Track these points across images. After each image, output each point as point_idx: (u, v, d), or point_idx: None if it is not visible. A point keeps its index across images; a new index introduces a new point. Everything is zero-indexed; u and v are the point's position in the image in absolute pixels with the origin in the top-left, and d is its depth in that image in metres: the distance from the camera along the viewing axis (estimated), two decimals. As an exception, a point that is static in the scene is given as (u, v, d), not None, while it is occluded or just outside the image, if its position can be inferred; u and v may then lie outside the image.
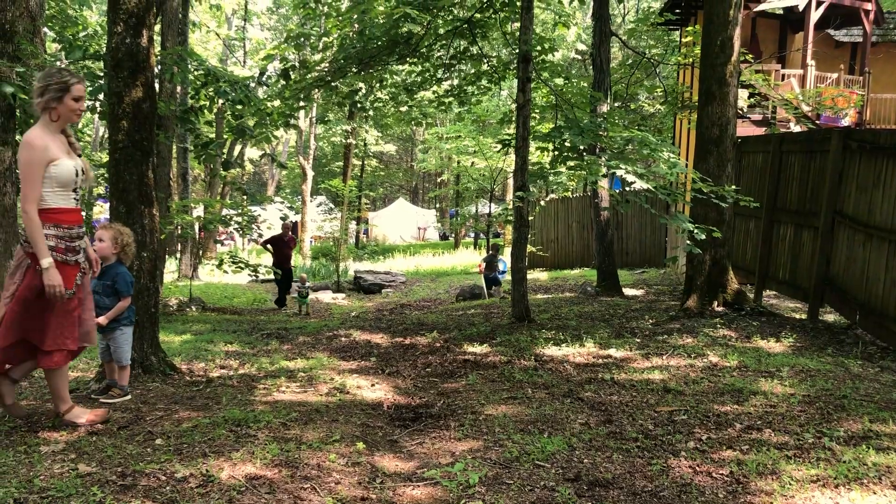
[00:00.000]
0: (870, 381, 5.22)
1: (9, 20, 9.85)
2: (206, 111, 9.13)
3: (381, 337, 8.03)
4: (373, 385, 5.49)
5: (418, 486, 3.29)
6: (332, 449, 3.72)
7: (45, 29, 12.11)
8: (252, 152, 38.06)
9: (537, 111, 10.56)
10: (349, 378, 5.69)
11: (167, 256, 18.29)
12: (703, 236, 7.10)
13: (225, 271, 13.11)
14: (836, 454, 3.62)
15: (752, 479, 3.34)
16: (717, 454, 3.66)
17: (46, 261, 3.76)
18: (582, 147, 7.87)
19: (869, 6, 15.33)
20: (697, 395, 4.89)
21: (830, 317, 8.08)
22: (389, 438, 4.05)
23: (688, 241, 7.37)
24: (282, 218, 14.26)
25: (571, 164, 8.19)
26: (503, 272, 14.73)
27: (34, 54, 9.61)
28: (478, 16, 9.73)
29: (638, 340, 6.99)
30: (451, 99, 11.13)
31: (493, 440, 3.94)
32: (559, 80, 10.30)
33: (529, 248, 11.07)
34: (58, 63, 9.12)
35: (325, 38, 10.56)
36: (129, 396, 4.82)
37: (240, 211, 14.62)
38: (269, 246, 13.85)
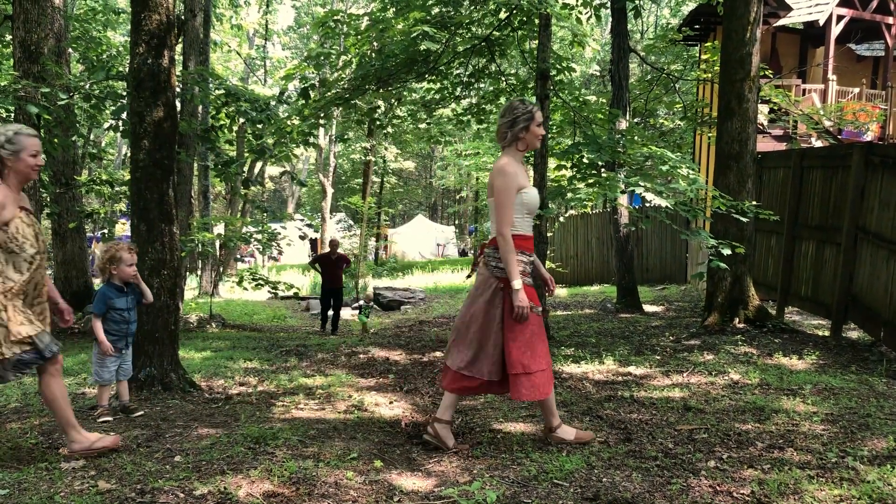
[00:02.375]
0: (895, 399, 5.14)
1: (34, 41, 10.06)
2: (226, 130, 9.22)
3: (399, 354, 8.03)
4: (391, 402, 5.48)
5: (436, 504, 3.27)
6: (350, 467, 3.71)
7: (70, 50, 12.33)
8: (272, 170, 38.36)
9: (555, 128, 10.57)
10: (367, 395, 5.69)
11: (188, 273, 18.46)
12: (728, 251, 7.05)
13: (245, 288, 13.18)
14: (860, 474, 3.56)
15: (773, 498, 3.29)
16: (738, 473, 3.61)
17: (518, 282, 3.92)
18: (600, 164, 7.86)
19: (890, 20, 15.25)
20: (718, 414, 4.84)
21: (854, 334, 7.98)
22: (407, 456, 4.04)
23: (711, 256, 7.32)
24: (304, 234, 14.14)
25: (590, 180, 8.18)
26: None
27: (59, 75, 9.78)
28: (496, 34, 9.77)
29: (658, 358, 6.94)
30: (469, 117, 11.16)
31: (511, 458, 3.92)
32: (577, 96, 10.30)
33: (549, 264, 11.05)
34: (82, 84, 9.25)
35: (344, 57, 10.64)
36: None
37: (260, 228, 14.72)
38: (316, 265, 12.91)
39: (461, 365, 4.11)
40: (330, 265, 12.34)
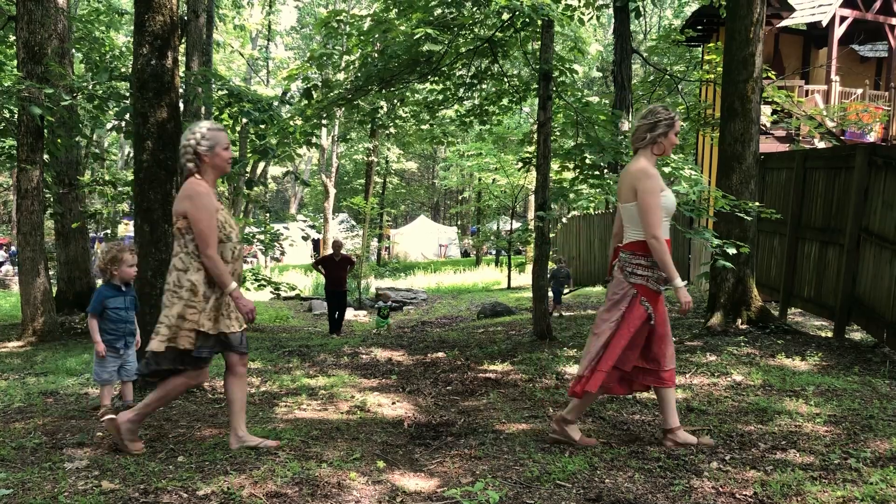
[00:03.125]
0: (880, 396, 5.13)
1: (38, 42, 10.07)
2: (229, 131, 9.24)
3: (402, 354, 8.03)
4: (393, 403, 5.49)
5: (438, 505, 3.28)
6: (353, 467, 3.72)
7: (73, 51, 12.35)
8: (275, 170, 38.41)
9: (558, 129, 10.57)
10: (370, 396, 5.69)
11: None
12: (733, 250, 7.04)
13: (247, 288, 13.17)
14: (863, 475, 3.56)
15: (776, 500, 3.30)
16: (740, 475, 3.61)
17: (678, 280, 3.97)
18: (603, 165, 7.86)
19: (894, 21, 15.23)
20: (721, 415, 4.84)
21: (857, 335, 7.97)
22: (410, 457, 4.04)
23: (716, 256, 7.31)
24: (307, 235, 14.07)
25: (593, 181, 8.18)
26: (563, 286, 13.04)
27: (62, 76, 9.81)
28: (499, 35, 9.77)
29: (660, 359, 6.92)
30: (472, 118, 11.16)
31: (514, 459, 3.92)
32: (579, 97, 10.30)
33: (551, 264, 11.03)
34: (85, 84, 9.28)
35: (346, 57, 10.65)
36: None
37: (263, 229, 14.72)
38: (320, 267, 12.58)
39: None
40: (334, 267, 12.13)
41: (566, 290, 13.37)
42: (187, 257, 3.73)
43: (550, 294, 11.79)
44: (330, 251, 13.27)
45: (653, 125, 4.09)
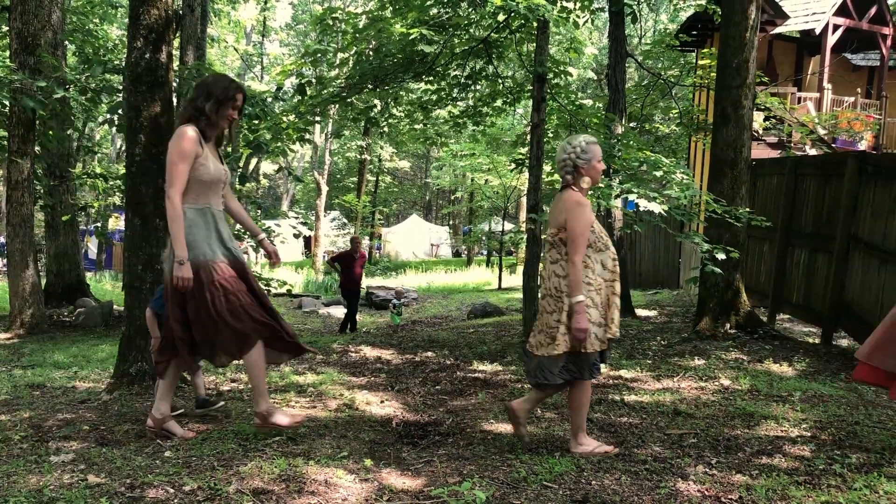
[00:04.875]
0: (883, 407, 5.17)
1: (31, 33, 10.03)
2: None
3: (391, 353, 8.03)
4: (382, 401, 5.49)
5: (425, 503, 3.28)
6: (340, 465, 3.72)
7: (66, 42, 12.29)
8: (267, 166, 38.33)
9: (551, 131, 10.59)
10: (358, 394, 5.69)
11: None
12: (723, 255, 7.07)
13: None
14: (848, 481, 3.58)
15: (761, 504, 3.31)
16: (726, 478, 3.63)
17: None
18: (595, 167, 7.86)
19: (886, 31, 15.32)
20: (708, 419, 4.86)
21: (844, 342, 8.02)
22: (398, 455, 4.04)
23: (706, 261, 7.34)
24: (298, 233, 14.00)
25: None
26: None
27: (55, 67, 9.76)
28: (494, 36, 9.78)
29: (649, 362, 6.96)
30: (465, 119, 11.16)
31: (502, 459, 3.93)
32: (573, 100, 10.32)
33: (542, 266, 11.03)
34: (77, 77, 9.23)
35: (341, 55, 10.63)
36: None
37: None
38: (336, 264, 12.35)
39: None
40: (352, 264, 12.02)
41: None
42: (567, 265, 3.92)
43: None
44: (347, 248, 13.09)
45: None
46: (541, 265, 4.02)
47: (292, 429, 4.11)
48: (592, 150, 3.99)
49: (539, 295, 4.01)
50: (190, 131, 3.89)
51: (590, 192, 8.05)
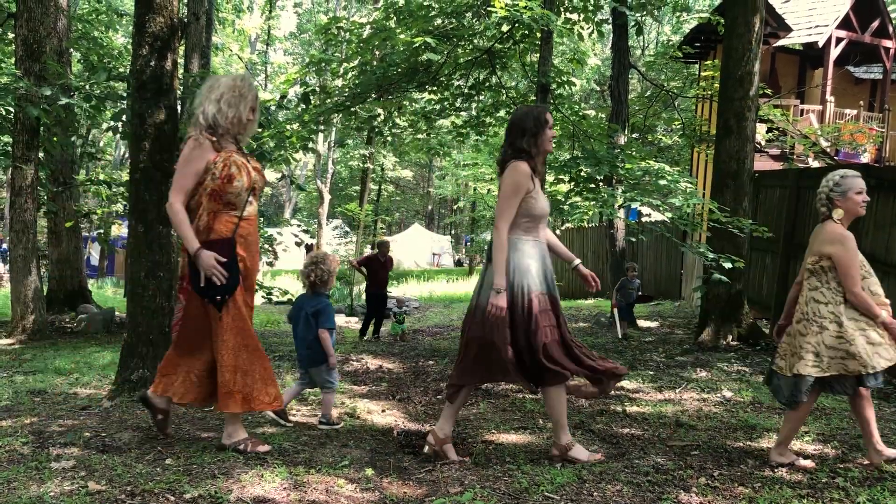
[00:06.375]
0: (885, 420, 5.15)
1: (37, 40, 10.06)
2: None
3: (392, 362, 8.02)
4: (383, 410, 5.48)
5: (426, 514, 3.27)
6: (342, 474, 3.71)
7: (71, 50, 12.34)
8: (270, 174, 38.35)
9: (554, 142, 10.61)
10: (360, 402, 5.68)
11: (183, 276, 18.39)
12: (729, 264, 7.07)
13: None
14: (851, 495, 3.57)
15: (764, 517, 3.30)
16: (728, 491, 3.62)
17: None
18: (598, 177, 7.88)
19: (889, 44, 15.35)
20: (710, 430, 4.85)
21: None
22: (399, 465, 4.03)
23: (711, 270, 7.33)
24: (300, 241, 13.94)
25: (587, 195, 8.21)
26: (632, 303, 10.72)
27: (60, 74, 9.79)
28: (498, 46, 9.81)
29: (651, 373, 6.94)
30: (468, 129, 11.18)
31: (503, 470, 3.92)
32: (576, 111, 10.35)
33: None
34: (83, 84, 9.25)
35: (345, 64, 10.66)
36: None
37: (256, 233, 14.64)
38: (363, 268, 11.93)
39: None
40: (379, 268, 11.70)
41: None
42: (829, 292, 4.06)
43: (616, 311, 10.31)
44: (375, 251, 12.89)
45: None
46: (800, 293, 4.17)
47: (589, 462, 4.06)
48: (846, 182, 4.16)
49: (794, 319, 4.20)
50: (524, 166, 3.99)
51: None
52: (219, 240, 3.91)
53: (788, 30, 14.45)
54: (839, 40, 14.87)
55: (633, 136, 14.25)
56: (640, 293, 11.10)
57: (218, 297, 3.89)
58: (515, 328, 3.93)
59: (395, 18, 9.29)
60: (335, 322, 4.98)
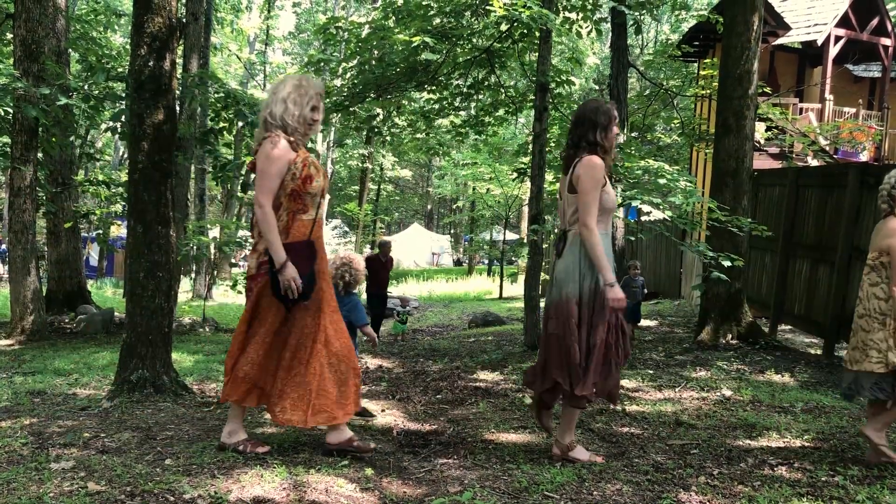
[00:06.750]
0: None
1: (35, 40, 10.05)
2: (225, 133, 9.22)
3: (392, 362, 8.02)
4: (383, 410, 5.48)
5: (426, 513, 3.27)
6: (341, 474, 3.71)
7: (70, 50, 12.33)
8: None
9: (553, 141, 10.60)
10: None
11: (182, 276, 18.42)
12: (728, 262, 7.07)
13: (239, 292, 13.10)
14: (850, 493, 3.57)
15: (763, 516, 3.30)
16: (728, 490, 3.62)
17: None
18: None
19: (888, 42, 15.35)
20: (710, 429, 4.85)
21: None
22: (398, 464, 4.03)
23: (711, 268, 7.33)
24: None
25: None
26: (640, 301, 10.04)
27: (58, 75, 9.78)
28: (496, 45, 9.81)
29: (651, 372, 6.94)
30: (467, 128, 11.18)
31: (503, 469, 3.92)
32: (574, 109, 10.34)
33: (543, 276, 11.02)
34: (81, 85, 9.25)
35: (344, 64, 10.66)
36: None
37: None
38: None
39: None
40: (380, 268, 11.68)
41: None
42: (889, 288, 4.12)
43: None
44: (376, 251, 12.83)
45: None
46: (860, 287, 4.22)
47: (590, 462, 4.06)
48: None
49: (856, 314, 4.27)
50: (599, 160, 3.99)
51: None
52: (297, 242, 3.87)
53: (787, 28, 14.46)
54: (838, 38, 14.87)
55: (633, 135, 14.23)
56: (645, 291, 10.78)
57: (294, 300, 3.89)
58: (581, 325, 3.98)
59: (393, 18, 9.29)
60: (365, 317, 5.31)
